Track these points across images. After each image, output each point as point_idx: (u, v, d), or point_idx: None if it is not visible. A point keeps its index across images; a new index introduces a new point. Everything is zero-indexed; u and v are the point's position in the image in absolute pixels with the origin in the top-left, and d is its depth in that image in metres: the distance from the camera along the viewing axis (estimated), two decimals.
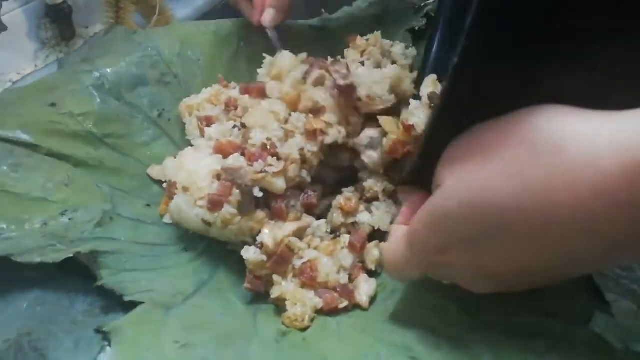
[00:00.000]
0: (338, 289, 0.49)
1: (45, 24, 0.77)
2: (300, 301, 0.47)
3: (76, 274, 0.46)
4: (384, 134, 0.52)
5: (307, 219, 0.53)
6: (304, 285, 0.49)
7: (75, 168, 0.53)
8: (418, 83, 0.56)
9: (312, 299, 0.47)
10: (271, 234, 0.49)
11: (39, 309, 0.42)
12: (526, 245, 0.30)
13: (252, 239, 0.51)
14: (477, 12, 0.28)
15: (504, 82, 0.30)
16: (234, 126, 0.56)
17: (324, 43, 0.71)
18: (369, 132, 0.53)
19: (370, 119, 0.54)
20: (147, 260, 0.49)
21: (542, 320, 0.38)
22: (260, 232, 0.50)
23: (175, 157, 0.58)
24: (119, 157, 0.58)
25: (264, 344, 0.42)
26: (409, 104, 0.52)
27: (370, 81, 0.53)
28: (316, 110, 0.53)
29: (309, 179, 0.53)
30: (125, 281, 0.45)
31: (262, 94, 0.60)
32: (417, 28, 0.71)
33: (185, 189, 0.50)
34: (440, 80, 0.53)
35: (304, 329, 0.46)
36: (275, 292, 0.48)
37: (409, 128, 0.50)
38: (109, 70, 0.61)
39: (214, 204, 0.49)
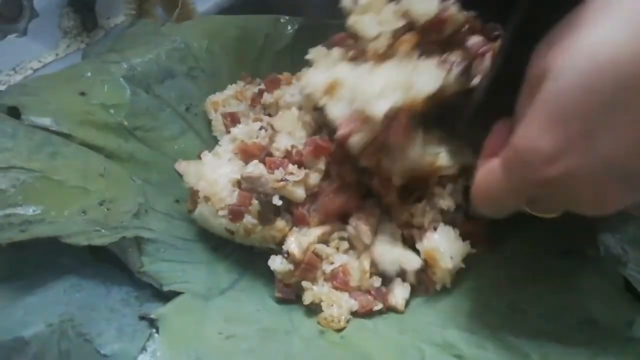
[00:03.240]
0: (372, 292, 0.50)
1: (67, 13, 0.78)
2: (336, 302, 0.48)
3: (109, 263, 0.47)
4: None
5: (331, 223, 0.53)
6: (336, 289, 0.50)
7: (107, 160, 0.54)
8: None
9: (348, 301, 0.49)
10: (296, 241, 0.50)
11: (78, 296, 0.43)
12: None
13: (275, 245, 0.52)
14: None
15: None
16: (261, 127, 0.57)
17: None
18: None
19: None
20: (182, 253, 0.51)
21: (583, 326, 0.40)
22: (283, 237, 0.51)
23: (198, 158, 0.58)
24: (148, 151, 0.59)
25: (305, 340, 0.43)
26: None
27: None
28: None
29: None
30: (162, 271, 0.47)
31: (276, 85, 0.62)
32: None
33: (207, 199, 0.51)
34: None
35: (339, 330, 0.47)
36: (307, 298, 0.49)
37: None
38: (138, 61, 0.63)
39: (235, 215, 0.50)
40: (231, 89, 0.66)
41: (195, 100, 0.65)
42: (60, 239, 0.42)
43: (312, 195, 0.52)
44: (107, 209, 0.47)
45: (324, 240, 0.52)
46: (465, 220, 0.52)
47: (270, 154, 0.53)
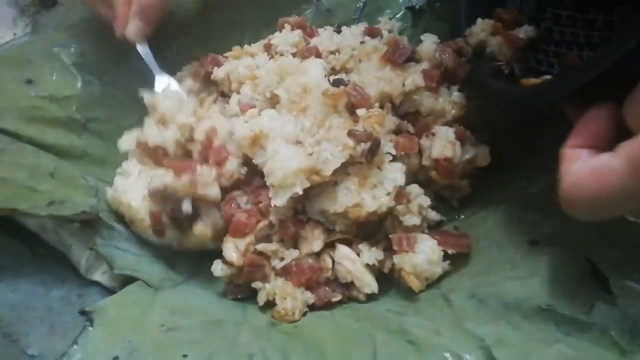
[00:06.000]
0: (330, 285, 0.48)
1: None
2: (290, 296, 0.47)
3: (52, 261, 0.47)
4: None
5: (270, 217, 0.50)
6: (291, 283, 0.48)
7: (58, 158, 0.52)
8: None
9: (303, 294, 0.47)
10: (233, 247, 0.48)
11: (11, 296, 0.42)
12: None
13: (214, 246, 0.50)
14: None
15: None
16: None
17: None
18: None
19: None
20: (138, 247, 0.50)
21: (543, 312, 0.39)
22: (217, 236, 0.49)
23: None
24: (103, 145, 0.57)
25: (255, 330, 0.43)
26: None
27: None
28: None
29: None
30: (115, 256, 0.47)
31: (216, 63, 0.61)
32: (417, 6, 0.71)
33: (131, 222, 0.51)
34: None
35: (294, 322, 0.46)
36: (262, 299, 0.48)
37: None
38: (91, 44, 0.60)
39: (157, 233, 0.49)
40: (187, 70, 0.64)
41: (152, 85, 0.62)
42: (19, 210, 0.43)
43: (233, 189, 0.50)
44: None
45: (265, 235, 0.50)
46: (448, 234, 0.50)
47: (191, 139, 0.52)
